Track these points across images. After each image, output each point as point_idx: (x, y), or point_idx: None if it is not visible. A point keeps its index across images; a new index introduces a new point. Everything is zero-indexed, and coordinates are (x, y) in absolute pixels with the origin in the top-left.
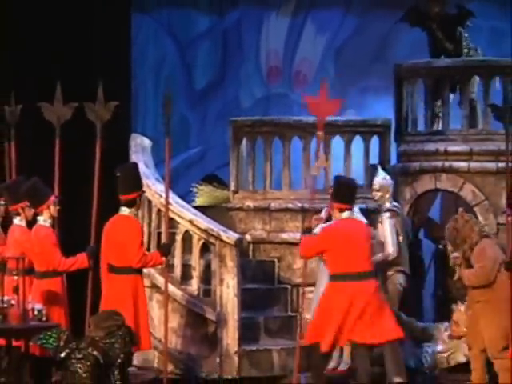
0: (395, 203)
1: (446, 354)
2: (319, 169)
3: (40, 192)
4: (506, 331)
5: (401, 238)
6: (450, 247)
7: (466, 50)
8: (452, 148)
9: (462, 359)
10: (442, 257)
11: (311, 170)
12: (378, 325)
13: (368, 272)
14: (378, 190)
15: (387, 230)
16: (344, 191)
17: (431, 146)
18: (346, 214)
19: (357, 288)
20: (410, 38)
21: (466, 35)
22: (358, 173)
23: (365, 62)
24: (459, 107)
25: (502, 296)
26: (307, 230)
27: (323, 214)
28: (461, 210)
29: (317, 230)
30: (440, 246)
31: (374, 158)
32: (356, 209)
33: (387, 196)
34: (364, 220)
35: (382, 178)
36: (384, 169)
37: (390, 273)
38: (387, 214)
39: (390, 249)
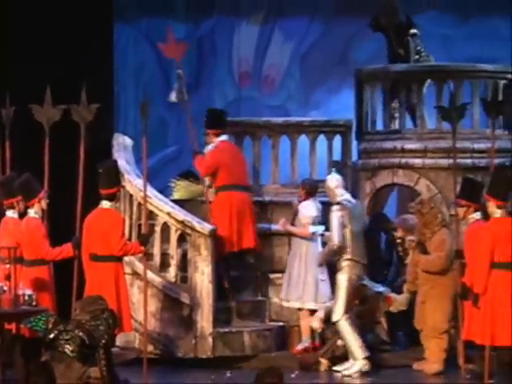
0: (348, 198)
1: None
2: (179, 98)
3: (32, 187)
4: (449, 316)
5: (348, 230)
6: (398, 233)
7: (416, 57)
8: (408, 146)
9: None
10: (392, 245)
11: (170, 97)
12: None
13: (246, 185)
14: (330, 188)
15: (332, 221)
16: (216, 119)
17: (389, 144)
18: (223, 137)
19: (238, 197)
20: (371, 42)
21: (419, 41)
22: (322, 169)
23: (328, 65)
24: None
25: (448, 283)
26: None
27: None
28: (428, 196)
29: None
30: (391, 238)
31: (336, 155)
32: (313, 202)
33: (337, 192)
34: (314, 212)
35: (335, 178)
36: (345, 166)
37: (344, 263)
38: (334, 208)
39: (334, 239)
